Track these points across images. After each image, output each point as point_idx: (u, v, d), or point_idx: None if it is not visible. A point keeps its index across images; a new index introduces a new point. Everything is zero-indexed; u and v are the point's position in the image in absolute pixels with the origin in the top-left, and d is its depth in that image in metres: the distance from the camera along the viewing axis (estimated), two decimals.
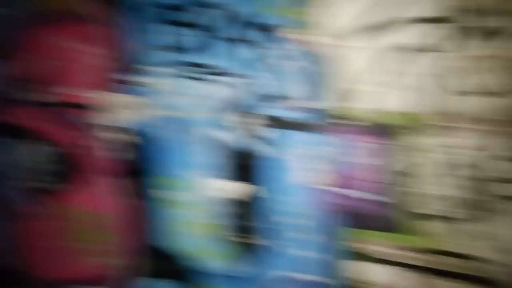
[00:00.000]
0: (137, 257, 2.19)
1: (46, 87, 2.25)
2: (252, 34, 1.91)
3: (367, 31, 1.80)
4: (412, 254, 1.85)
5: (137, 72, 2.07)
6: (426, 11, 1.75)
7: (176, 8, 1.97)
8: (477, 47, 1.66)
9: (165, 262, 2.16)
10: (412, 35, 1.76)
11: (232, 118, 1.95)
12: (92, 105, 2.17)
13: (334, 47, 1.83)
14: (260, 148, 1.94)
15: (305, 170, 1.90)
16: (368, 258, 1.91)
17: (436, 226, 1.80)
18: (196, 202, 2.04)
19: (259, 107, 1.93)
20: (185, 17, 1.97)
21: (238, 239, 2.01)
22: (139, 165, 2.14)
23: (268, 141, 1.93)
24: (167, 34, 2.00)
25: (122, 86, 2.11)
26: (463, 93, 1.70)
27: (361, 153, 1.86)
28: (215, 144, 1.97)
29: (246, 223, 2.00)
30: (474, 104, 1.68)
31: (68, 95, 2.22)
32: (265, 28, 1.88)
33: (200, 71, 1.96)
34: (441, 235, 1.79)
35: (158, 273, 2.17)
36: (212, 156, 1.99)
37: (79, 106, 2.20)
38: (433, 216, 1.81)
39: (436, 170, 1.78)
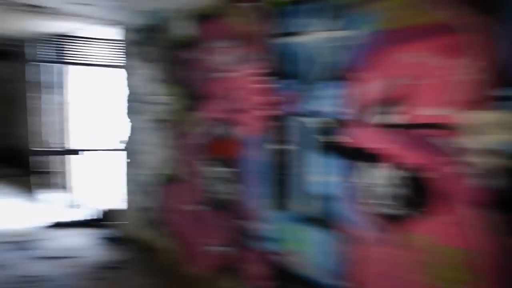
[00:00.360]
0: None
1: (397, 108, 2.13)
2: None
3: None
4: None
5: None
6: None
7: None
8: None
9: None
10: None
11: None
12: (453, 125, 1.92)
13: None
14: None
15: None
16: None
17: None
18: None
19: None
20: None
21: None
22: None
23: None
24: None
25: (496, 102, 1.79)
26: None
27: None
28: None
29: None
30: None
31: (423, 115, 2.03)
32: None
33: None
34: None
35: None
36: None
37: (436, 127, 1.99)
38: None
39: None
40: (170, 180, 3.98)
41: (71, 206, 4.93)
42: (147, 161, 4.37)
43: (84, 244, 4.33)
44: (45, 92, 7.26)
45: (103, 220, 5.05)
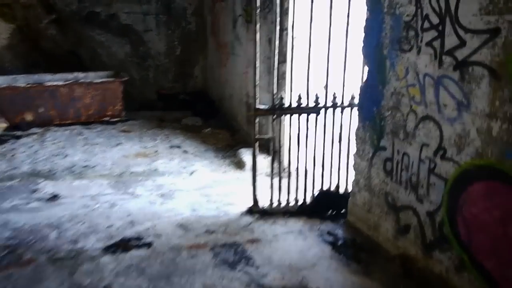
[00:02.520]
0: None
1: None
2: None
3: None
4: None
5: None
6: None
7: None
8: None
9: None
10: None
11: None
12: None
13: None
14: None
15: None
16: None
17: None
18: None
19: None
20: None
21: None
22: None
23: None
24: None
25: None
26: None
27: None
28: None
29: None
30: None
31: None
32: None
33: None
34: None
35: None
36: None
37: None
38: None
39: None
40: (485, 175, 2.11)
41: (278, 179, 3.44)
42: (419, 132, 2.53)
43: (307, 255, 2.82)
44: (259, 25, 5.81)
45: (322, 207, 3.50)
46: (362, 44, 3.07)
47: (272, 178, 3.46)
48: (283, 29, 4.39)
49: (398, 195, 2.80)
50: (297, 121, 3.37)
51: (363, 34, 3.06)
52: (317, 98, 3.33)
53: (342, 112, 3.38)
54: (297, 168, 3.45)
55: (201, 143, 5.43)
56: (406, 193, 2.72)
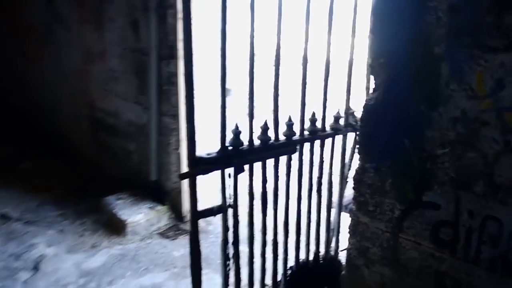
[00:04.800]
0: None
1: None
2: None
3: None
4: None
5: None
6: None
7: None
8: None
9: None
10: None
11: None
12: None
13: None
14: None
15: None
16: None
17: None
18: None
19: None
20: None
21: None
22: None
23: None
24: None
25: None
26: None
27: None
28: None
29: None
30: None
31: None
32: None
33: None
34: None
35: None
36: None
37: None
38: None
39: None
40: None
41: (233, 259, 2.02)
42: None
43: None
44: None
45: None
46: (372, 36, 1.85)
47: (225, 266, 1.97)
48: (166, 6, 2.79)
49: (472, 280, 1.75)
50: (261, 168, 1.95)
51: (371, 19, 1.83)
52: (290, 126, 1.97)
53: (322, 144, 2.12)
54: (264, 237, 2.06)
55: (25, 192, 3.35)
56: (492, 279, 1.69)
